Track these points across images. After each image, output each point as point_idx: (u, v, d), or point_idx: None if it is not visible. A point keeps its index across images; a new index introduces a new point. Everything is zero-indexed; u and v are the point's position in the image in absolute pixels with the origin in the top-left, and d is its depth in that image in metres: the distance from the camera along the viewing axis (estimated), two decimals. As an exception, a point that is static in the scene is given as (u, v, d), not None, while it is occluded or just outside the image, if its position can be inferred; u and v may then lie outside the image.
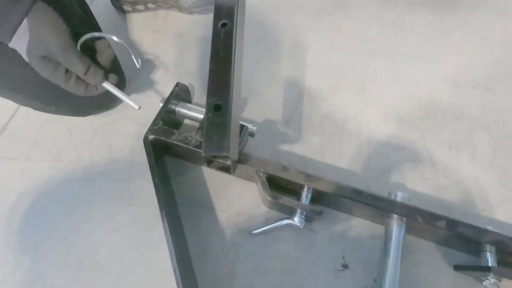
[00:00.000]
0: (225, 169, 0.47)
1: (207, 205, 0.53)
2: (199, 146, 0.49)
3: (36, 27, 0.37)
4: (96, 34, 0.46)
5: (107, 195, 0.53)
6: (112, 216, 0.52)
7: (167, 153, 0.55)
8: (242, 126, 0.48)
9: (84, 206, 0.52)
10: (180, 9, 0.74)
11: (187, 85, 0.58)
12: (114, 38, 0.48)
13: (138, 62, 0.51)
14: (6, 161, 0.57)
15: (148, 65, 0.68)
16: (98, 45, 0.47)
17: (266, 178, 0.48)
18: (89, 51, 0.46)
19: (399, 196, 0.47)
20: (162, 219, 0.45)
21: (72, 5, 0.51)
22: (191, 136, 0.50)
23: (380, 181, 0.54)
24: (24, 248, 0.50)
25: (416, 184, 0.54)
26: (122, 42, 0.49)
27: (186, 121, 0.59)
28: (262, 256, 0.48)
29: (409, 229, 0.47)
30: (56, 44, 0.38)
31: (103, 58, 0.46)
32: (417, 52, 0.69)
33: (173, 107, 0.54)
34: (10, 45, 0.39)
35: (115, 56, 0.51)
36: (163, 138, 0.49)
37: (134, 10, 0.75)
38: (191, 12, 0.75)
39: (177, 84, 0.55)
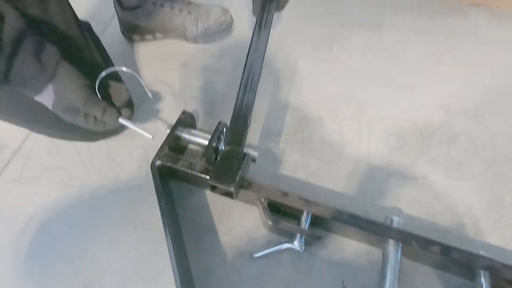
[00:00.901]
0: (228, 194, 0.50)
1: (210, 228, 0.54)
2: (203, 172, 0.51)
3: (60, 89, 0.43)
4: (112, 69, 0.51)
5: (114, 219, 0.55)
6: (118, 239, 0.53)
7: (172, 177, 0.57)
8: (244, 153, 0.50)
9: (91, 229, 0.54)
10: (187, 38, 0.79)
11: (191, 111, 0.61)
12: (127, 70, 0.52)
13: (149, 93, 0.55)
14: (17, 185, 0.59)
15: (156, 91, 0.71)
16: (115, 87, 0.52)
17: (267, 203, 0.50)
18: (105, 88, 0.51)
19: (395, 221, 0.49)
20: (167, 243, 0.46)
21: (87, 43, 0.56)
22: (196, 162, 0.52)
23: (376, 206, 0.56)
24: (31, 272, 0.51)
25: (411, 209, 0.56)
26: (135, 74, 0.53)
27: (190, 145, 0.62)
28: (264, 279, 0.50)
29: (406, 254, 0.48)
30: (77, 100, 0.44)
31: (119, 100, 0.52)
32: (410, 80, 0.72)
33: (179, 133, 0.57)
34: (36, 99, 0.44)
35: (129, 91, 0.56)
36: (169, 164, 0.52)
37: (143, 40, 0.80)
38: (196, 42, 0.79)
39: (183, 112, 0.58)
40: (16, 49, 0.38)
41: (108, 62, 0.62)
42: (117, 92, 0.53)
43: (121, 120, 0.52)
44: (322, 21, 0.66)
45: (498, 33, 0.81)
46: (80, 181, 0.59)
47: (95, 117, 0.48)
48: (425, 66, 0.75)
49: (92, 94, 0.47)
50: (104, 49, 0.63)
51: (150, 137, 0.51)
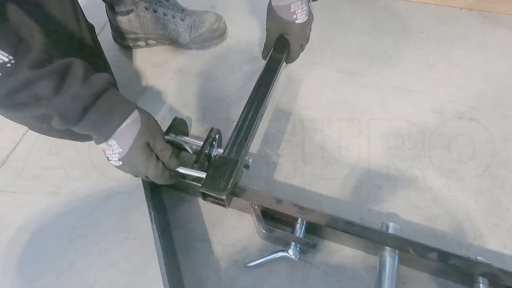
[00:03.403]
0: (220, 203, 0.48)
1: (202, 237, 0.53)
2: (195, 180, 0.50)
3: (145, 118, 0.45)
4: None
5: (103, 229, 0.54)
6: (108, 250, 0.52)
7: (164, 185, 0.56)
8: (237, 160, 0.49)
9: (80, 240, 0.53)
10: (180, 45, 0.79)
11: (184, 117, 0.60)
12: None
13: (192, 149, 0.55)
14: (5, 195, 0.58)
15: (149, 98, 0.71)
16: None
17: (261, 210, 0.49)
18: None
19: (391, 228, 0.48)
20: (158, 254, 0.45)
21: (96, 44, 0.59)
22: (187, 169, 0.51)
23: (373, 211, 0.55)
24: (18, 285, 0.49)
25: (408, 214, 0.55)
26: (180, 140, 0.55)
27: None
28: (258, 290, 0.48)
29: (403, 260, 0.47)
30: (160, 131, 0.47)
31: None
32: (404, 84, 0.72)
33: (170, 140, 0.56)
34: (117, 132, 0.44)
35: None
36: (160, 172, 0.51)
37: (135, 46, 0.79)
38: (189, 48, 0.79)
39: (175, 119, 0.57)
40: (97, 99, 0.40)
41: (105, 63, 0.62)
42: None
43: (181, 170, 0.49)
44: (315, 25, 0.66)
45: (489, 36, 0.81)
46: (69, 190, 0.58)
47: (162, 164, 0.47)
48: (419, 70, 0.75)
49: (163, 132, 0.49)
50: (104, 53, 0.63)
51: (204, 176, 0.48)
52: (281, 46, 0.64)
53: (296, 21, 0.61)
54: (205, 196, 0.47)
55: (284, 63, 0.66)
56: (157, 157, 0.46)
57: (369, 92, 0.71)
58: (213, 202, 0.49)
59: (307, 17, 0.62)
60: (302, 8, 0.60)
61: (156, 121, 0.48)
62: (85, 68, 0.40)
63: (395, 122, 0.66)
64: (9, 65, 0.35)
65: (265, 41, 0.67)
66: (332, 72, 0.74)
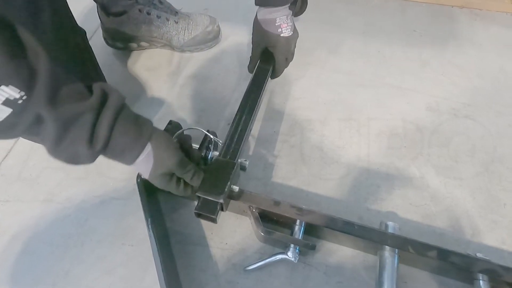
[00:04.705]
0: (212, 220, 0.47)
1: (201, 241, 0.52)
2: (191, 183, 0.49)
3: (157, 151, 0.42)
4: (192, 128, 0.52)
5: (99, 235, 0.53)
6: (104, 257, 0.51)
7: (160, 190, 0.55)
8: (233, 163, 0.49)
9: (76, 247, 0.52)
10: (173, 47, 0.78)
11: (179, 120, 0.60)
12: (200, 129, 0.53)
13: (219, 142, 0.54)
14: (-2, 203, 0.57)
15: (143, 101, 0.70)
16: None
17: (259, 213, 0.48)
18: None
19: (390, 227, 0.48)
20: (155, 260, 0.44)
21: (87, 49, 0.57)
22: (184, 173, 0.50)
23: (371, 210, 0.55)
24: (12, 295, 0.48)
25: (407, 212, 0.55)
26: (203, 130, 0.53)
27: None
28: (258, 293, 0.48)
29: (402, 259, 0.47)
30: (174, 162, 0.44)
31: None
32: (399, 83, 0.72)
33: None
34: (133, 167, 0.43)
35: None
36: (156, 176, 0.50)
37: (127, 48, 0.78)
38: (183, 51, 0.78)
39: (170, 122, 0.56)
40: (117, 118, 0.38)
41: (100, 74, 0.61)
42: (189, 153, 0.50)
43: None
44: (309, 25, 0.66)
45: (482, 34, 0.82)
46: (63, 197, 0.57)
47: (184, 181, 0.47)
48: (413, 68, 0.75)
49: (183, 154, 0.46)
50: (96, 59, 0.62)
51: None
52: (266, 60, 0.64)
53: (281, 35, 0.61)
54: (199, 215, 0.46)
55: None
56: (179, 178, 0.46)
57: (364, 92, 0.71)
58: (206, 220, 0.48)
59: (292, 32, 0.62)
60: (287, 23, 0.61)
61: (174, 147, 0.45)
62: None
63: (392, 121, 0.66)
64: (20, 101, 0.32)
65: (251, 54, 0.67)
66: (327, 72, 0.74)
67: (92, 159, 0.39)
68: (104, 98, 0.38)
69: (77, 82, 0.37)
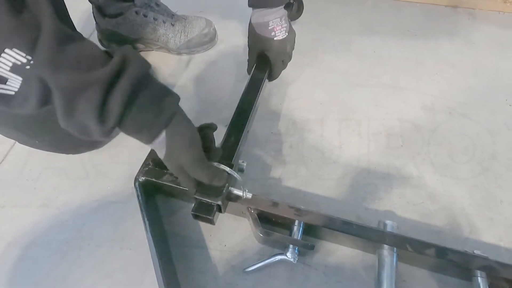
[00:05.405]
0: (210, 222, 0.47)
1: (199, 244, 0.52)
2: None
3: (171, 143, 0.38)
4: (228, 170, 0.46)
5: (97, 239, 0.52)
6: (102, 261, 0.50)
7: (158, 192, 0.55)
8: (231, 164, 0.49)
9: (73, 252, 0.51)
10: (169, 50, 0.78)
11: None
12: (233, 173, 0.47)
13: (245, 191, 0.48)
14: (-6, 209, 0.56)
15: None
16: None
17: (257, 214, 0.48)
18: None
19: (388, 226, 0.48)
20: (154, 263, 0.44)
21: None
22: (181, 176, 0.50)
23: (369, 210, 0.55)
24: (9, 302, 0.48)
25: (405, 211, 0.55)
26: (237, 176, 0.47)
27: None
28: (258, 294, 0.48)
29: (401, 258, 0.47)
30: (185, 160, 0.40)
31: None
32: (395, 82, 0.73)
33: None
34: (151, 147, 0.39)
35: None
36: (153, 179, 0.50)
37: (122, 51, 0.78)
38: (179, 53, 0.78)
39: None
40: (133, 92, 0.33)
41: None
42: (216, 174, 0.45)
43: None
44: (305, 26, 0.66)
45: (476, 33, 0.83)
46: (60, 202, 0.57)
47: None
48: (409, 68, 0.76)
49: (202, 155, 0.41)
50: None
51: (250, 196, 0.46)
52: (262, 63, 0.65)
53: (275, 38, 0.61)
54: (196, 217, 0.46)
55: (267, 81, 0.66)
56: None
57: (361, 91, 0.71)
58: (203, 221, 0.48)
59: (287, 34, 0.61)
60: (282, 25, 0.60)
61: (190, 144, 0.40)
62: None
63: (388, 120, 0.67)
64: (28, 67, 0.28)
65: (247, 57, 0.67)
66: (324, 72, 0.75)
67: (106, 135, 0.35)
68: (122, 68, 0.32)
69: (92, 45, 0.32)
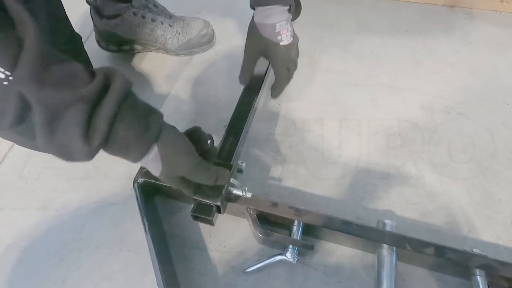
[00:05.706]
0: (209, 222, 0.47)
1: (199, 245, 0.52)
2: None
3: (166, 155, 0.37)
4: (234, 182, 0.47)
5: (97, 241, 0.52)
6: (102, 263, 0.50)
7: (157, 193, 0.55)
8: (230, 165, 0.49)
9: (73, 254, 0.51)
10: (167, 51, 0.78)
11: (175, 124, 0.60)
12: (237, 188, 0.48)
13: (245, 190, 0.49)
14: (-8, 212, 0.56)
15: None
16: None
17: (257, 214, 0.48)
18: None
19: (388, 225, 0.48)
20: (153, 264, 0.44)
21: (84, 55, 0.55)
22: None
23: (369, 209, 0.55)
24: (8, 304, 0.48)
25: (404, 210, 0.55)
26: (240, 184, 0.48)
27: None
28: (257, 295, 0.48)
29: (400, 257, 0.47)
30: (184, 168, 0.39)
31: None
32: (393, 82, 0.73)
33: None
34: (140, 163, 0.38)
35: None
36: (152, 180, 0.50)
37: (120, 51, 0.77)
38: (177, 54, 0.78)
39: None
40: (120, 109, 0.33)
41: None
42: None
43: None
44: (302, 27, 0.66)
45: (473, 32, 0.83)
46: (59, 204, 0.56)
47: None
48: (407, 67, 0.76)
49: (200, 160, 0.40)
50: (91, 64, 0.61)
51: (249, 195, 0.47)
52: (261, 70, 0.60)
53: (281, 43, 0.55)
54: (195, 218, 0.46)
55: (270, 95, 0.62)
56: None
57: (359, 91, 0.71)
58: (203, 222, 0.48)
59: (291, 39, 0.56)
60: (287, 29, 0.55)
61: (186, 151, 0.39)
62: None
63: (386, 120, 0.67)
64: (6, 82, 0.27)
65: (242, 62, 0.60)
66: (322, 72, 0.75)
67: (90, 156, 0.34)
68: (106, 85, 0.32)
69: (76, 64, 0.32)
